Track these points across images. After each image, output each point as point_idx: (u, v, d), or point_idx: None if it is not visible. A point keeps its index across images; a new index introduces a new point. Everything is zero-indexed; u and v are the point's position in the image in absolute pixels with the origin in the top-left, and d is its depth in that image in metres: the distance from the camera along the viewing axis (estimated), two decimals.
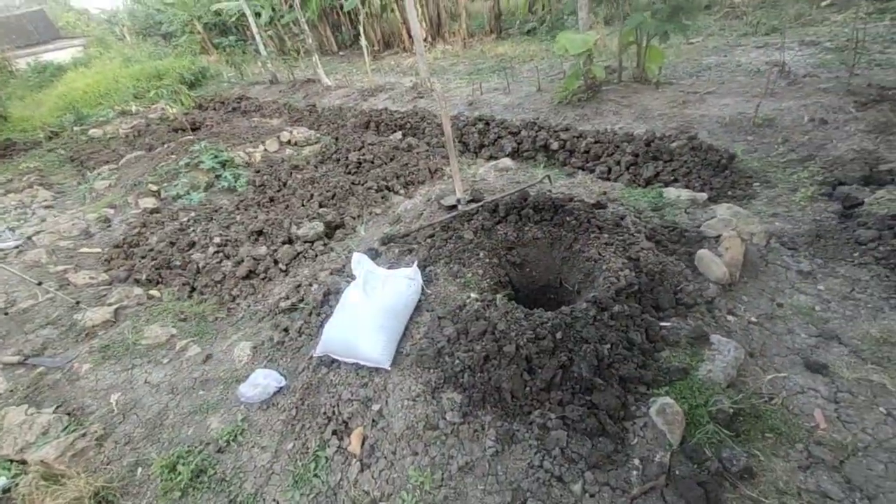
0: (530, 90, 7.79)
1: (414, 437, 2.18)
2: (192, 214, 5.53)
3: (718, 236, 3.17)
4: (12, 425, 2.87)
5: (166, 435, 2.72)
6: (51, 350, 3.62)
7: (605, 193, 4.08)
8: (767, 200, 3.83)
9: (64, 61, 21.71)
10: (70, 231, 5.74)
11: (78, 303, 4.03)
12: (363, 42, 11.29)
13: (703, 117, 5.31)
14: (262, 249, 4.40)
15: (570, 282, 3.19)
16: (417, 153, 6.16)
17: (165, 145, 8.18)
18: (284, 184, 5.98)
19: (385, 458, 2.18)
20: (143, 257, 4.78)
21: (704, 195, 3.70)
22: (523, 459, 2.03)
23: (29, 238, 5.63)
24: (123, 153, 8.61)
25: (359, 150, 6.47)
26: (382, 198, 5.23)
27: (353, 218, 4.87)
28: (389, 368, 2.49)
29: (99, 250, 5.26)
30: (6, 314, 3.94)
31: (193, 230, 5.07)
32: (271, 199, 5.57)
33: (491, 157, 5.76)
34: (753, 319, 2.72)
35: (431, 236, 3.55)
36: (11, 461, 2.70)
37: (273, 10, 14.52)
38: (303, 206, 5.22)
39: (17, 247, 5.41)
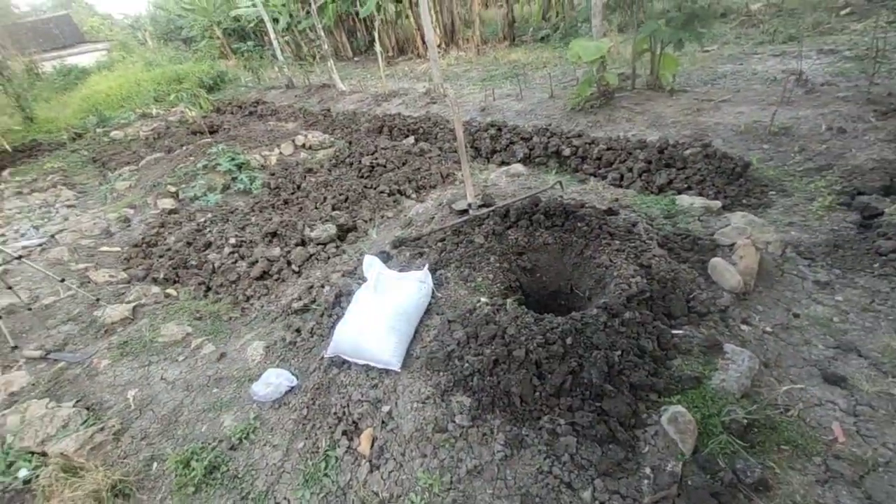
0: (543, 96, 7.81)
1: (423, 439, 2.19)
2: (209, 215, 5.64)
3: (732, 245, 3.14)
4: (34, 418, 2.95)
5: (181, 431, 2.77)
6: (71, 346, 3.72)
7: (616, 200, 4.06)
8: (783, 209, 3.78)
9: (88, 65, 22.38)
10: (91, 230, 5.89)
11: (98, 300, 4.14)
12: (378, 48, 11.44)
13: (717, 125, 5.26)
14: (276, 251, 4.47)
15: (580, 288, 3.18)
16: (429, 158, 6.21)
17: (184, 148, 8.36)
18: (298, 186, 6.07)
19: (394, 459, 2.20)
20: (160, 257, 4.89)
21: (718, 203, 3.67)
22: (532, 465, 2.03)
23: (52, 236, 5.80)
24: (143, 155, 8.83)
25: (372, 154, 6.55)
26: (394, 202, 5.28)
27: (365, 221, 4.92)
28: (399, 370, 2.51)
29: (118, 249, 5.40)
30: (29, 310, 4.05)
31: (210, 231, 5.18)
32: (285, 202, 5.66)
33: (503, 163, 5.78)
34: (768, 329, 2.68)
35: (442, 240, 3.57)
36: (32, 453, 2.77)
37: (290, 16, 14.81)
38: (316, 208, 5.29)
39: (40, 244, 5.58)
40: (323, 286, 3.74)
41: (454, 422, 2.19)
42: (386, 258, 3.63)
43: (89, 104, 14.48)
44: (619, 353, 2.30)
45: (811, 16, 8.50)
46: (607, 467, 2.00)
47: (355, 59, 17.73)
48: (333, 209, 5.18)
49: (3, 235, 6.14)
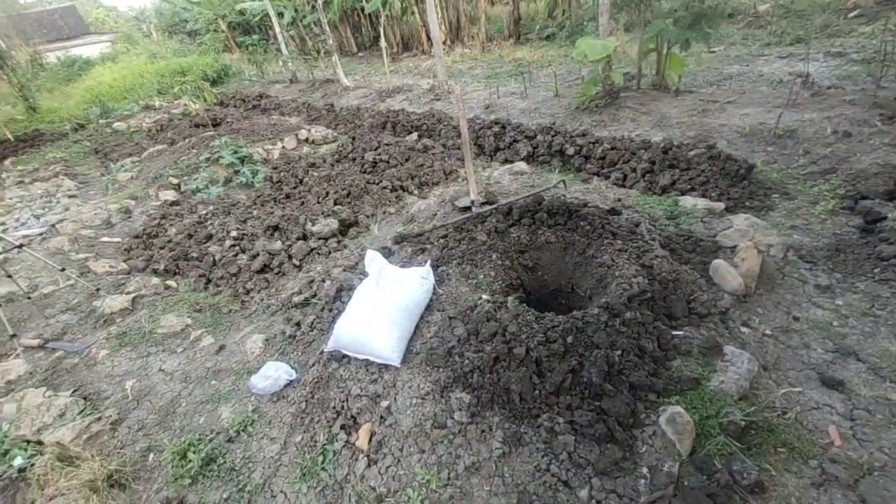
0: (547, 95, 7.79)
1: (421, 435, 2.19)
2: (211, 208, 5.64)
3: (734, 247, 3.13)
4: (31, 406, 2.96)
5: (178, 422, 2.77)
6: (70, 335, 3.72)
7: (619, 200, 4.05)
8: (786, 212, 3.76)
9: (92, 56, 22.36)
10: (92, 220, 5.89)
11: (98, 290, 4.14)
12: (383, 44, 11.40)
13: (722, 127, 5.24)
14: (277, 244, 4.47)
15: (582, 287, 3.17)
16: (433, 154, 6.19)
17: (187, 140, 8.36)
18: (301, 181, 6.06)
19: (392, 454, 2.19)
20: (161, 248, 4.89)
21: (721, 205, 3.65)
22: (530, 462, 2.03)
23: (53, 226, 5.80)
24: (146, 146, 8.82)
25: (375, 149, 6.53)
26: (397, 197, 5.27)
27: (367, 216, 4.92)
28: (399, 366, 2.50)
29: (119, 240, 5.40)
30: (29, 298, 4.05)
31: (211, 223, 5.17)
32: (287, 196, 5.65)
33: (506, 161, 5.76)
34: (768, 332, 2.68)
35: (444, 237, 3.56)
36: (28, 441, 2.77)
37: (295, 10, 14.76)
38: (318, 203, 5.28)
39: (41, 234, 5.58)
40: (324, 280, 3.74)
41: (453, 418, 2.19)
42: (388, 254, 3.63)
43: (92, 95, 14.47)
44: (619, 352, 2.29)
45: (819, 18, 8.45)
46: (605, 466, 1.99)
47: (360, 54, 17.68)
48: (335, 204, 5.17)
49: (3, 224, 6.14)
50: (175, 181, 6.65)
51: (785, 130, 4.74)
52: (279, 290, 4.04)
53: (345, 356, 2.71)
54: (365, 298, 2.79)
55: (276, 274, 4.23)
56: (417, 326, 2.75)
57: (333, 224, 4.68)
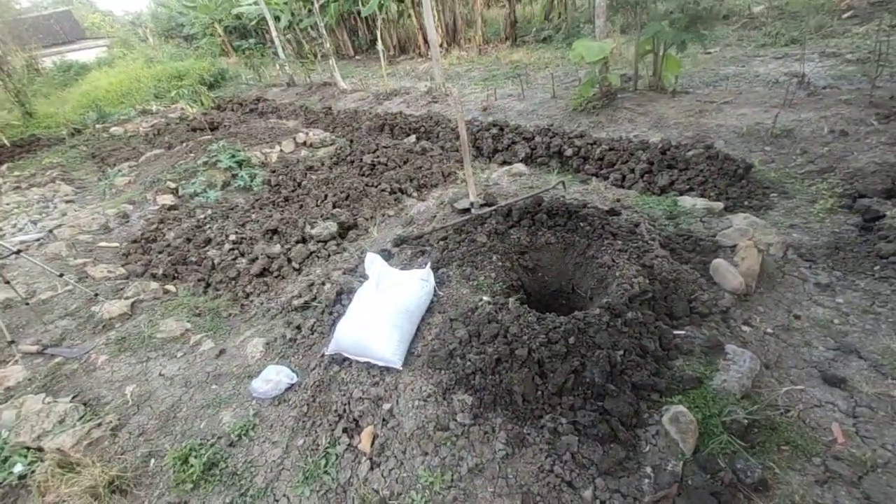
0: (545, 97, 7.81)
1: (424, 437, 2.18)
2: (209, 212, 5.63)
3: (734, 246, 3.14)
4: (30, 413, 2.93)
5: (179, 427, 2.75)
6: (69, 341, 3.70)
7: (618, 200, 4.06)
8: (785, 211, 3.78)
9: (88, 61, 22.33)
10: (90, 225, 5.87)
11: (97, 295, 4.12)
12: (380, 47, 11.43)
13: (719, 127, 5.27)
14: (277, 248, 4.46)
15: (582, 287, 3.17)
16: (431, 157, 6.20)
17: (184, 144, 8.34)
18: (299, 184, 6.05)
19: (395, 457, 2.19)
20: (159, 253, 4.87)
21: (720, 204, 3.66)
22: (534, 463, 2.02)
23: (50, 231, 5.77)
24: (143, 151, 8.80)
25: (373, 152, 6.54)
26: (395, 200, 5.27)
27: (367, 219, 4.91)
28: (401, 368, 2.50)
29: (117, 245, 5.38)
30: (27, 304, 4.03)
31: (210, 227, 5.16)
32: (286, 199, 5.64)
33: (504, 163, 5.77)
34: (769, 330, 2.68)
35: (444, 239, 3.56)
36: (28, 448, 2.75)
37: (292, 14, 14.79)
38: (317, 206, 5.28)
39: (38, 239, 5.55)
40: (324, 284, 3.73)
41: (456, 420, 2.18)
42: (387, 256, 3.62)
43: (89, 100, 14.45)
44: (621, 352, 2.29)
45: (814, 19, 8.51)
46: (608, 466, 1.99)
47: (357, 57, 17.72)
48: (334, 207, 5.17)
49: (0, 230, 6.11)
50: (173, 185, 6.63)
51: (782, 130, 4.77)
52: (279, 294, 4.03)
53: (346, 359, 2.71)
54: (365, 301, 2.79)
55: (276, 277, 4.22)
56: (418, 329, 2.75)
57: (332, 227, 4.67)
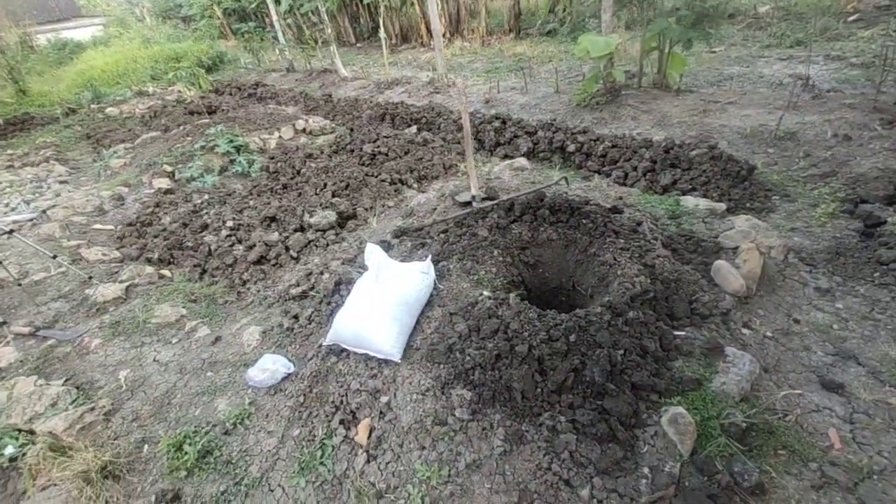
0: (548, 91, 7.74)
1: (422, 431, 2.17)
2: (206, 197, 5.55)
3: (736, 248, 3.13)
4: (21, 395, 2.89)
5: (173, 414, 2.73)
6: (62, 323, 3.65)
7: (621, 198, 4.03)
8: (786, 214, 3.78)
9: (83, 39, 21.84)
10: (84, 207, 5.78)
11: (91, 278, 4.06)
12: (382, 35, 11.26)
13: (723, 127, 5.25)
14: (275, 236, 4.41)
15: (583, 285, 3.16)
16: (432, 148, 6.14)
17: (181, 127, 8.21)
18: (298, 171, 5.98)
19: (392, 450, 2.17)
20: (155, 237, 4.80)
21: (723, 206, 3.65)
22: (531, 461, 2.01)
23: (43, 212, 5.67)
24: (139, 133, 8.66)
25: (373, 142, 6.46)
26: (395, 191, 5.22)
27: (366, 209, 4.86)
28: (399, 361, 2.48)
29: (112, 227, 5.30)
30: (19, 285, 3.97)
31: (206, 213, 5.09)
32: (284, 186, 5.58)
33: (506, 156, 5.73)
34: (769, 334, 2.68)
35: (445, 231, 3.53)
36: (20, 430, 2.72)
37: None
38: (316, 194, 5.21)
39: (31, 220, 5.46)
40: (322, 273, 3.69)
41: (454, 415, 2.17)
42: (387, 247, 3.59)
43: (84, 79, 14.16)
44: (621, 352, 2.28)
45: (819, 21, 8.46)
46: (606, 466, 1.99)
47: (357, 45, 17.46)
48: (333, 196, 5.11)
49: None
50: (169, 169, 6.53)
51: (785, 132, 4.75)
52: (276, 282, 3.99)
53: (344, 350, 2.68)
54: (364, 292, 2.76)
55: (273, 265, 4.17)
56: (417, 322, 2.73)
57: (331, 216, 4.62)
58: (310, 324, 3.11)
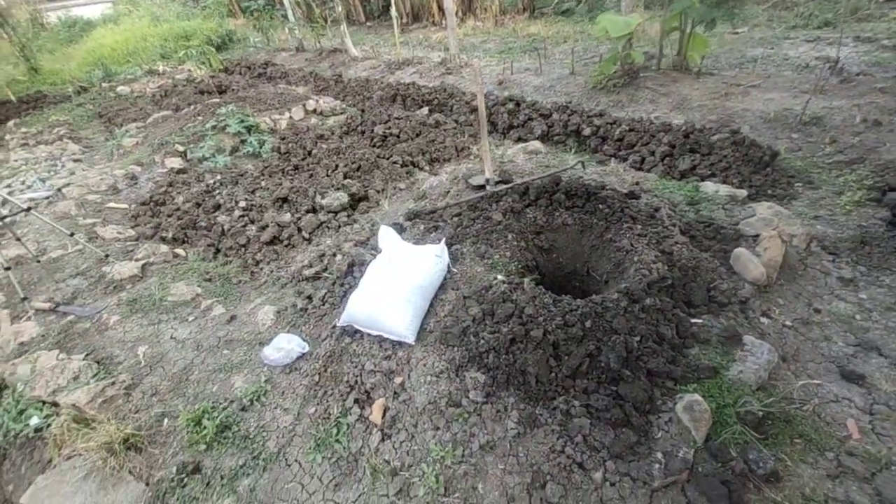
0: (563, 72, 7.55)
1: (436, 412, 2.19)
2: (218, 177, 5.56)
3: (757, 236, 3.06)
4: (44, 368, 2.97)
5: (192, 390, 2.78)
6: (80, 300, 3.72)
7: (637, 184, 3.95)
8: (810, 202, 3.68)
9: (93, 17, 21.71)
10: (98, 185, 5.82)
11: (107, 256, 4.12)
12: (393, 13, 11.01)
13: (745, 111, 5.09)
14: (287, 216, 4.41)
15: (598, 271, 3.13)
16: (445, 130, 6.05)
17: (192, 107, 8.18)
18: (309, 153, 5.95)
19: (406, 430, 2.20)
20: (169, 216, 4.84)
21: (744, 192, 3.56)
22: (545, 444, 2.03)
23: (59, 190, 5.73)
24: (150, 112, 8.66)
25: (385, 123, 6.39)
26: (407, 173, 5.18)
27: (378, 191, 4.84)
28: (413, 343, 2.49)
29: (126, 206, 5.34)
30: (38, 262, 4.04)
31: (219, 193, 5.10)
32: (296, 168, 5.56)
33: (520, 139, 5.63)
34: (788, 323, 2.64)
35: (458, 215, 3.50)
36: (43, 402, 2.80)
37: None
38: (327, 176, 5.19)
39: (47, 197, 5.52)
40: (335, 255, 3.70)
41: (468, 397, 2.18)
42: (400, 230, 3.57)
43: (94, 58, 14.13)
44: (637, 338, 2.26)
45: (849, 0, 8.10)
46: (620, 450, 1.99)
47: (368, 24, 17.14)
48: (345, 178, 5.09)
49: (9, 186, 6.08)
50: (181, 149, 6.53)
51: (811, 117, 4.60)
52: (289, 263, 4.01)
53: (357, 332, 2.70)
54: (378, 274, 2.76)
55: (286, 246, 4.19)
56: (431, 305, 2.72)
57: (343, 198, 4.61)
58: (323, 305, 3.12)
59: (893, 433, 2.07)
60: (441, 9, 13.17)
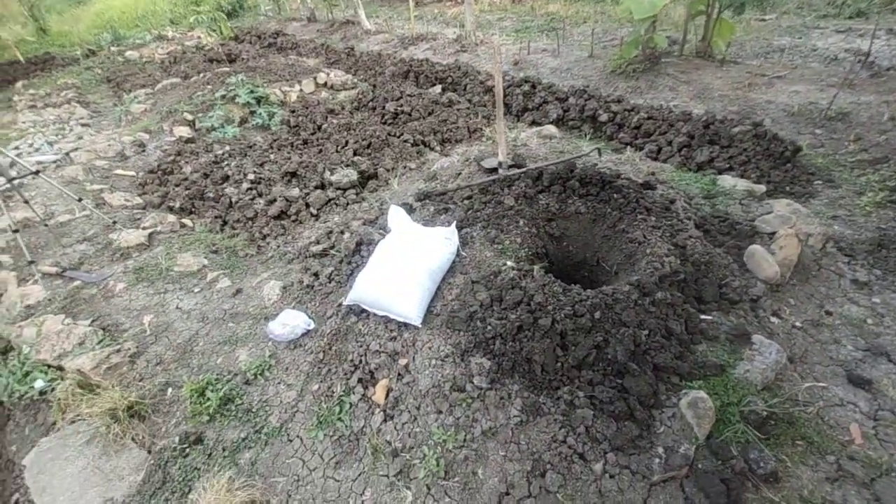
0: (581, 55, 7.33)
1: (440, 396, 2.19)
2: (227, 148, 5.50)
3: (773, 233, 2.99)
4: (50, 332, 3.00)
5: (196, 361, 2.80)
6: (87, 266, 3.72)
7: (653, 174, 3.86)
8: (828, 201, 3.59)
9: None
10: (106, 151, 5.78)
11: (114, 223, 4.11)
12: None
13: (768, 103, 4.93)
14: (295, 191, 4.37)
15: (608, 262, 3.08)
16: (457, 110, 5.93)
17: (201, 75, 8.05)
18: (319, 127, 5.86)
19: (409, 412, 2.21)
20: (176, 185, 4.80)
21: (763, 188, 3.47)
22: (547, 433, 2.03)
23: (67, 154, 5.70)
24: (159, 78, 8.53)
25: (397, 100, 6.26)
26: (418, 153, 5.09)
27: (387, 170, 4.77)
28: (420, 326, 2.47)
29: (133, 174, 5.31)
30: (46, 226, 4.04)
31: (227, 164, 5.06)
32: (305, 142, 5.48)
33: (534, 123, 5.51)
34: (798, 324, 2.60)
35: (469, 198, 3.44)
36: (48, 366, 2.83)
37: None
38: (337, 152, 5.12)
39: (55, 161, 5.49)
40: (342, 232, 3.66)
41: (472, 382, 2.18)
42: (409, 210, 3.52)
43: (103, 20, 13.91)
44: (646, 332, 2.24)
45: None
46: (621, 443, 1.99)
47: None
48: (355, 154, 5.01)
49: (17, 148, 6.05)
50: (189, 117, 6.45)
51: (837, 112, 4.44)
52: (296, 238, 3.99)
53: (363, 311, 2.69)
54: (387, 255, 2.73)
55: (293, 221, 4.16)
56: (439, 288, 2.70)
57: (353, 175, 4.55)
58: (330, 282, 3.11)
59: None
60: None
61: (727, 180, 3.58)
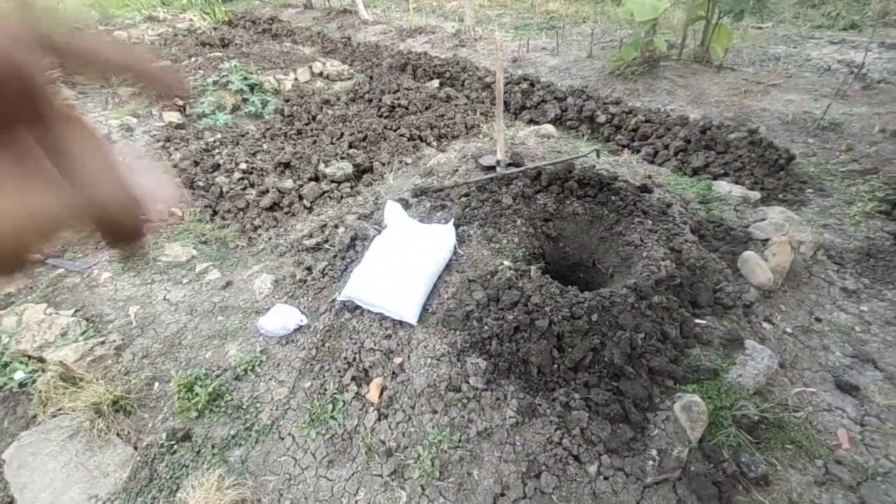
0: (580, 55, 7.33)
1: (435, 395, 2.17)
2: (218, 136, 5.37)
3: (766, 240, 3.03)
4: (31, 322, 2.89)
5: (184, 355, 2.73)
6: (70, 253, 3.61)
7: (650, 177, 3.88)
8: (819, 209, 3.65)
9: None
10: None
11: None
12: None
13: (763, 111, 4.98)
14: (288, 183, 4.29)
15: (604, 263, 3.09)
16: (455, 105, 5.87)
17: (193, 59, 7.84)
18: (314, 118, 5.76)
19: (403, 411, 2.18)
20: (164, 173, 4.67)
21: (758, 194, 3.51)
22: (542, 434, 2.02)
23: None
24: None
25: (394, 93, 6.18)
26: (414, 147, 5.04)
27: (383, 164, 4.71)
28: (415, 324, 2.44)
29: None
30: None
31: (219, 153, 4.94)
32: (299, 132, 5.38)
33: (531, 121, 5.49)
34: (789, 330, 2.64)
35: (467, 195, 3.41)
36: (29, 357, 2.74)
37: None
38: (332, 143, 5.04)
39: None
40: (336, 227, 3.61)
41: (468, 383, 2.16)
42: (405, 206, 3.48)
43: None
44: (642, 336, 2.24)
45: (879, 3, 7.88)
46: (616, 445, 2.00)
47: None
48: (350, 147, 4.94)
49: None
50: (180, 102, 6.27)
51: (830, 122, 4.51)
52: (288, 231, 3.91)
53: (358, 307, 2.65)
54: (383, 251, 2.69)
55: (286, 214, 4.09)
56: (435, 286, 2.67)
57: (348, 168, 4.48)
58: (323, 277, 3.06)
59: (882, 445, 2.10)
60: None
61: (722, 186, 3.61)
